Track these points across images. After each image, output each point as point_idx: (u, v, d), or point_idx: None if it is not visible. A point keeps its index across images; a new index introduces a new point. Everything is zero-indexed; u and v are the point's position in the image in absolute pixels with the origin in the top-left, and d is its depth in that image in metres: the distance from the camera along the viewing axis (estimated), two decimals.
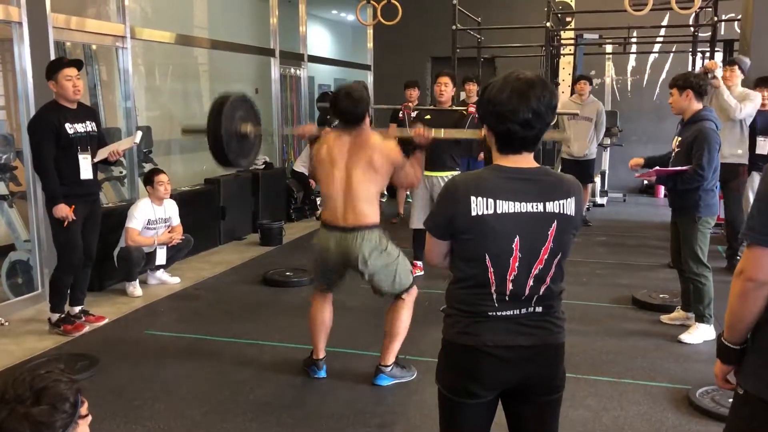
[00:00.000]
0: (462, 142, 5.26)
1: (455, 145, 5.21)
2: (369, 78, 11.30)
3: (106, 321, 4.46)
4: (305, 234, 7.29)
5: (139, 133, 4.68)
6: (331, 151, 3.30)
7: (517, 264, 1.75)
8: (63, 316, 4.25)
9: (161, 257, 5.27)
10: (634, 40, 9.37)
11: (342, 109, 3.27)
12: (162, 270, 5.44)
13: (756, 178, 5.78)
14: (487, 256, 1.76)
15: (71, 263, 4.17)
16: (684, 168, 3.90)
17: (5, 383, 1.31)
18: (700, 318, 4.07)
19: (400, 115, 5.31)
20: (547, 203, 1.76)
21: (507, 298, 1.78)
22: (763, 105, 5.66)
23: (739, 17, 7.68)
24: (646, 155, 4.54)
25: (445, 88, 5.24)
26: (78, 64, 4.12)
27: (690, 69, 7.99)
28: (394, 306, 3.43)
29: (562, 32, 9.15)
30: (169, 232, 5.33)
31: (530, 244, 1.76)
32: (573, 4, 9.91)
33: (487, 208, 1.74)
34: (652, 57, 10.24)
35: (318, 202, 8.42)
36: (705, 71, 5.30)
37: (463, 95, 7.58)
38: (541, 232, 1.76)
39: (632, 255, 6.37)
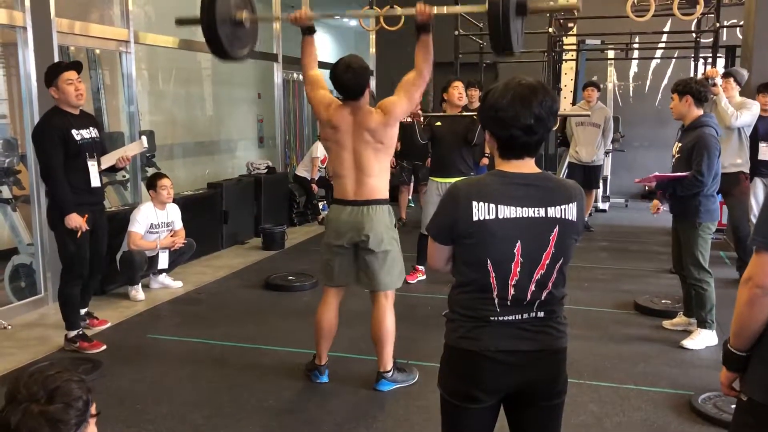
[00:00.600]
0: (476, 146, 5.28)
1: (469, 149, 5.21)
2: (371, 83, 11.33)
3: (108, 325, 4.46)
4: (307, 238, 7.31)
5: (144, 138, 4.68)
6: (337, 131, 3.31)
7: (518, 269, 1.76)
8: (80, 332, 4.06)
9: (164, 261, 5.27)
10: (636, 45, 9.38)
11: (343, 81, 3.27)
12: (164, 274, 5.45)
13: (759, 185, 5.77)
14: (488, 261, 1.76)
15: (79, 275, 4.03)
16: (684, 174, 3.91)
17: (15, 384, 1.33)
18: (702, 324, 4.07)
19: (408, 120, 5.32)
20: (548, 208, 1.77)
21: (509, 303, 1.78)
22: (765, 111, 5.66)
23: (741, 23, 7.68)
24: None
25: (462, 92, 5.30)
26: (77, 66, 3.99)
27: (692, 75, 8.00)
28: (377, 313, 3.42)
29: (564, 38, 9.16)
30: (171, 236, 5.34)
31: (532, 250, 1.76)
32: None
33: (488, 213, 1.75)
34: (654, 63, 10.25)
35: (320, 207, 8.43)
36: (706, 78, 5.31)
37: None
38: (542, 238, 1.76)
39: (634, 260, 6.36)
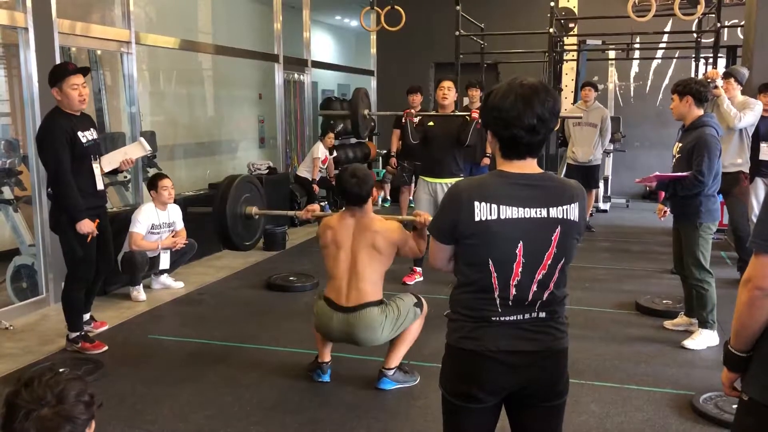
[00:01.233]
0: (468, 147, 5.27)
1: (461, 150, 5.21)
2: (372, 83, 11.33)
3: (107, 327, 4.45)
4: (308, 239, 7.31)
5: (143, 140, 4.63)
6: (336, 234, 3.36)
7: (520, 269, 1.76)
8: (82, 333, 4.03)
9: (165, 262, 5.28)
10: (637, 46, 9.39)
11: (347, 189, 3.32)
12: (166, 274, 5.45)
13: (759, 184, 5.77)
14: (490, 262, 1.77)
15: (86, 279, 4.00)
16: (684, 174, 3.91)
17: (14, 397, 1.34)
18: (704, 324, 4.07)
19: (403, 120, 5.32)
20: (550, 209, 1.77)
21: (510, 303, 1.79)
22: (766, 111, 5.65)
23: (742, 23, 7.68)
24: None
25: (448, 92, 5.24)
26: (85, 71, 3.92)
27: (693, 75, 8.00)
28: None
29: (565, 38, 9.17)
30: (173, 236, 5.34)
31: (534, 250, 1.76)
32: (576, 10, 9.93)
33: (490, 214, 1.75)
34: (654, 63, 10.26)
35: (321, 207, 8.44)
36: (707, 80, 5.31)
37: (466, 101, 7.60)
38: (544, 238, 1.77)
39: (635, 261, 6.36)
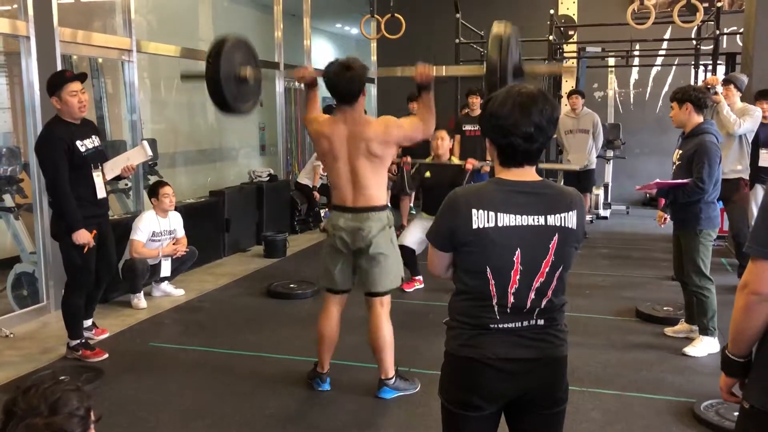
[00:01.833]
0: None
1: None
2: (372, 91, 11.35)
3: (108, 335, 4.45)
4: (309, 246, 7.31)
5: (146, 144, 4.63)
6: (331, 143, 3.27)
7: (518, 277, 1.76)
8: (82, 341, 4.03)
9: (166, 269, 5.28)
10: (636, 53, 9.41)
11: (336, 84, 3.19)
12: (166, 282, 5.45)
13: (759, 191, 5.77)
14: (488, 269, 1.77)
15: (86, 287, 3.99)
16: (684, 181, 3.91)
17: (12, 401, 1.34)
18: (704, 331, 4.06)
19: (395, 172, 5.49)
20: (548, 216, 1.77)
21: (508, 311, 1.79)
22: (765, 118, 5.67)
23: (741, 31, 7.71)
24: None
25: (441, 143, 5.38)
26: (82, 78, 3.93)
27: (692, 82, 8.02)
28: (374, 321, 3.41)
29: (564, 45, 9.20)
30: (173, 244, 5.35)
31: (531, 257, 1.77)
32: (576, 17, 9.97)
33: (488, 221, 1.75)
34: (654, 70, 10.28)
35: (322, 214, 8.44)
36: (706, 86, 5.33)
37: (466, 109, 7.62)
38: (542, 245, 1.77)
39: (636, 267, 6.36)
